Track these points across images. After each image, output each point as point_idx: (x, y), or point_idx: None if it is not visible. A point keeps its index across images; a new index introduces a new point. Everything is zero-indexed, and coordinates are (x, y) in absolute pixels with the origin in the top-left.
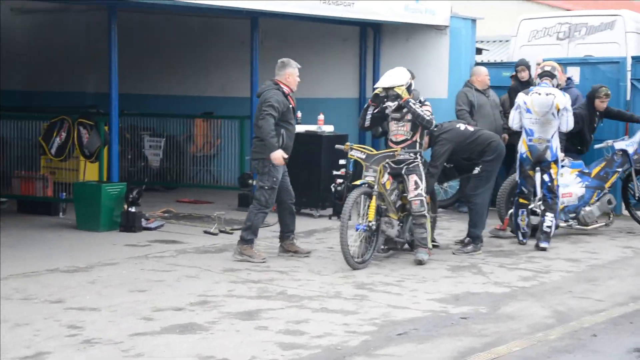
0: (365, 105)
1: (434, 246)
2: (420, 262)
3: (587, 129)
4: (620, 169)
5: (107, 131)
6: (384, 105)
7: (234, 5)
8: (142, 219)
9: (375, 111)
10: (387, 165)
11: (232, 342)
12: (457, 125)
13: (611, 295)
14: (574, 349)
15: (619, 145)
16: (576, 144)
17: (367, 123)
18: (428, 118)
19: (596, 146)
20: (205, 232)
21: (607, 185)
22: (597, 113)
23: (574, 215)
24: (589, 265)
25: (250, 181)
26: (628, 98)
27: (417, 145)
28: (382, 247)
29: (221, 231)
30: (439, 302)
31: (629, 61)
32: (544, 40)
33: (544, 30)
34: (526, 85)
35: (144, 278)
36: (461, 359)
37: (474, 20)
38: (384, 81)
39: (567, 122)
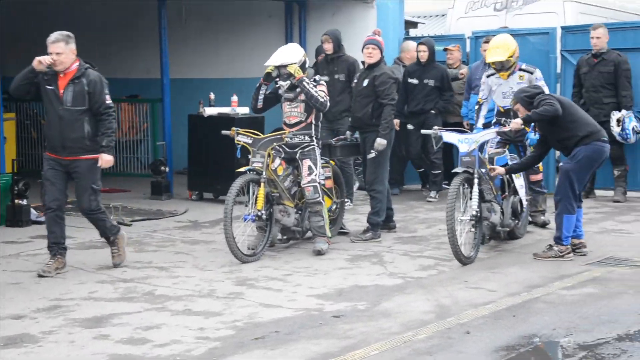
0: (257, 85)
1: (343, 233)
2: (319, 253)
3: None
4: None
5: None
6: (276, 85)
7: None
8: (33, 212)
9: (267, 92)
10: (280, 149)
11: (58, 356)
12: None
13: (506, 285)
14: (438, 350)
15: None
16: None
17: (260, 104)
18: (322, 100)
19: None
20: None
21: None
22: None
23: None
24: (498, 250)
25: (162, 168)
26: (559, 70)
27: (313, 127)
28: (281, 237)
29: (119, 223)
30: (318, 299)
31: (559, 32)
32: (481, 12)
33: (482, 2)
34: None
35: None
36: None
37: None
38: (276, 58)
39: None
